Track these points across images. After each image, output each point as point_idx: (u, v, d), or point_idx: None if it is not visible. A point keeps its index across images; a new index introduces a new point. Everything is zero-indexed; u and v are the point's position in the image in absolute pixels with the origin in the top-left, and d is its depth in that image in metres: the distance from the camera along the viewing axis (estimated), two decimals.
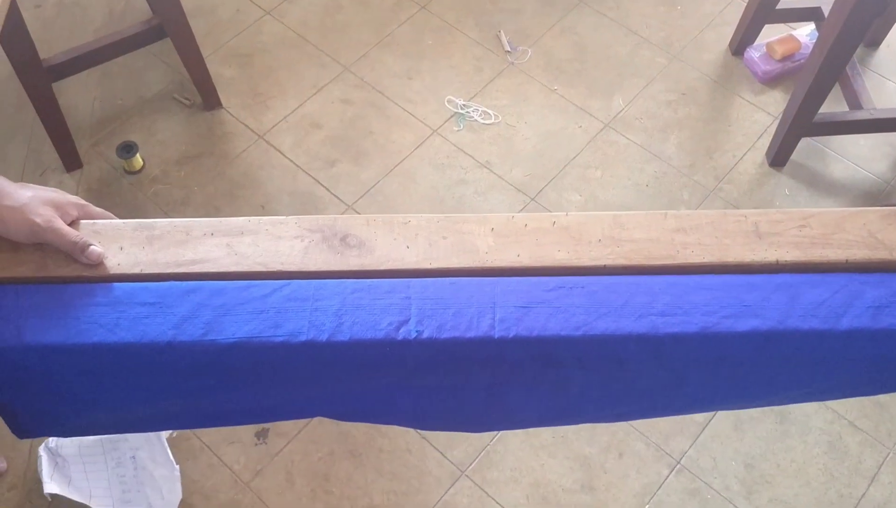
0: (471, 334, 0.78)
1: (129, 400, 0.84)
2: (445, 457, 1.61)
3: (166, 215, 1.91)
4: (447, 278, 0.82)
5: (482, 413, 0.89)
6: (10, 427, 0.86)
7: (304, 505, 1.56)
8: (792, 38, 2.14)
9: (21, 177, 1.98)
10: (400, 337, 0.77)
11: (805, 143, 2.01)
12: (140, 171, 1.98)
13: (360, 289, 0.80)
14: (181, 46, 1.94)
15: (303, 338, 0.77)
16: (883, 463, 1.61)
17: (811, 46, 2.10)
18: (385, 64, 2.19)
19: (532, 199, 1.95)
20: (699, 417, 1.66)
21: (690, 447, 1.63)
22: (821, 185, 1.99)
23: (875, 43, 2.22)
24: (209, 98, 2.07)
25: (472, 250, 0.84)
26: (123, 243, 0.84)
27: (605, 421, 0.97)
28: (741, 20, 2.17)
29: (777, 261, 0.84)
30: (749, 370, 0.83)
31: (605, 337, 0.78)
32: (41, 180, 1.97)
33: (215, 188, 1.96)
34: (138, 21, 1.96)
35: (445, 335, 0.78)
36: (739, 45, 2.18)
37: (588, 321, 0.78)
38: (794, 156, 2.01)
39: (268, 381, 0.81)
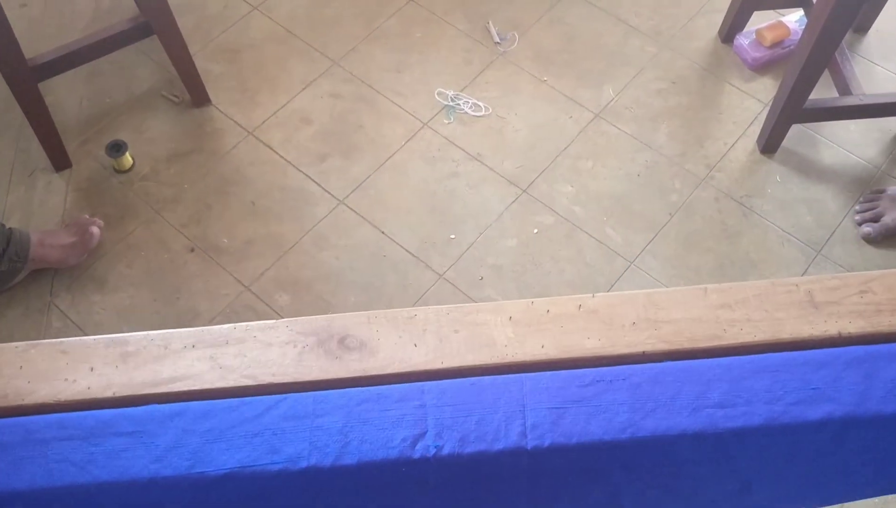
0: (499, 445, 0.67)
1: None
2: None
3: (157, 214, 1.90)
4: (466, 380, 0.71)
5: None
6: None
7: None
8: (781, 24, 2.14)
9: (10, 177, 1.97)
10: (417, 455, 0.67)
11: (796, 129, 2.01)
12: (130, 169, 1.97)
13: (367, 399, 0.70)
14: (168, 43, 1.93)
15: (304, 464, 0.67)
16: None
17: (800, 33, 2.11)
18: (374, 57, 2.18)
19: (524, 190, 1.95)
20: None
21: None
22: (812, 171, 1.99)
23: (864, 28, 2.21)
24: (198, 95, 2.06)
25: (488, 343, 0.75)
26: (94, 363, 0.75)
27: None
28: (730, 7, 2.16)
29: (839, 334, 0.74)
30: (825, 466, 0.73)
31: (656, 438, 0.68)
32: (30, 181, 1.97)
33: (206, 185, 1.95)
34: (125, 19, 1.94)
35: (469, 448, 0.67)
36: (729, 32, 2.18)
37: (635, 421, 0.68)
38: (785, 143, 2.01)
39: None
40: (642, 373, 0.71)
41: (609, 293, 0.78)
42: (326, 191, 1.95)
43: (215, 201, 1.93)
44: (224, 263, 1.84)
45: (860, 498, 0.81)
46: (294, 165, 1.99)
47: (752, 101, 2.11)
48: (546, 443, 0.67)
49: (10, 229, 1.74)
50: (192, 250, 1.85)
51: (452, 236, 1.88)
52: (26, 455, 0.67)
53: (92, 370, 0.75)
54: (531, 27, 2.24)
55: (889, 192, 1.91)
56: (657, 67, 2.17)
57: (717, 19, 2.24)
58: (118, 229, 1.89)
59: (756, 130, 2.05)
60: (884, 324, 0.75)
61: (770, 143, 1.99)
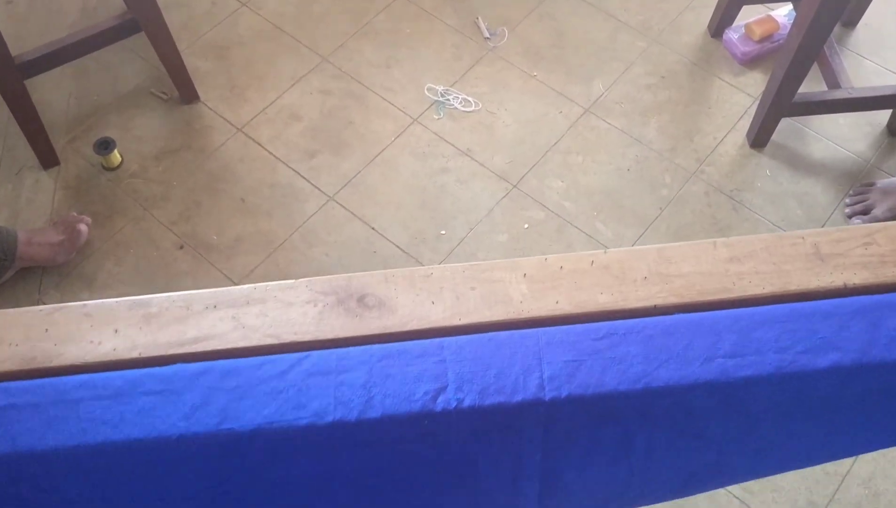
0: (518, 397, 0.69)
1: (134, 501, 0.75)
2: None
3: (146, 211, 1.89)
4: (484, 335, 0.73)
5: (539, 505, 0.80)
6: None
7: None
8: (770, 18, 2.15)
9: None
10: (438, 408, 0.69)
11: (785, 123, 2.01)
12: (118, 167, 1.96)
13: (389, 355, 0.71)
14: (156, 40, 1.92)
15: (329, 418, 0.68)
16: None
17: (789, 27, 2.11)
18: (363, 53, 2.17)
19: (514, 186, 1.95)
20: None
21: None
22: (802, 165, 1.99)
23: (852, 23, 2.22)
24: (186, 92, 2.05)
25: (504, 300, 0.76)
26: (118, 325, 0.76)
27: (671, 493, 0.85)
28: (719, 2, 2.17)
29: (845, 285, 0.77)
30: (831, 414, 0.75)
31: (670, 388, 0.70)
32: (17, 179, 1.95)
33: (195, 182, 1.94)
34: (112, 16, 1.93)
35: (489, 400, 0.69)
36: (718, 26, 2.18)
37: (649, 371, 0.70)
38: (774, 137, 2.01)
39: (292, 471, 0.73)
40: (655, 326, 0.73)
41: (621, 249, 0.79)
42: (316, 187, 1.95)
43: (204, 198, 1.92)
44: (213, 260, 1.83)
45: (865, 452, 0.83)
46: (284, 162, 1.98)
47: (742, 95, 2.12)
48: (563, 394, 0.69)
49: None
50: (182, 248, 1.85)
51: (443, 232, 1.88)
52: (58, 415, 0.69)
53: (116, 331, 0.76)
54: (520, 22, 2.24)
55: (879, 185, 1.91)
56: (647, 61, 2.17)
57: (707, 14, 2.24)
58: (107, 227, 1.88)
59: (746, 124, 2.06)
60: (888, 275, 0.77)
61: (760, 137, 1.99)
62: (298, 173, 1.96)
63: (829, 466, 1.59)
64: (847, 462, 1.60)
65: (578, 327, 0.73)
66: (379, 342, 0.74)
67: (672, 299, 0.76)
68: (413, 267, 0.80)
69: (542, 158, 1.99)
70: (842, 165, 1.99)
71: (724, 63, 2.18)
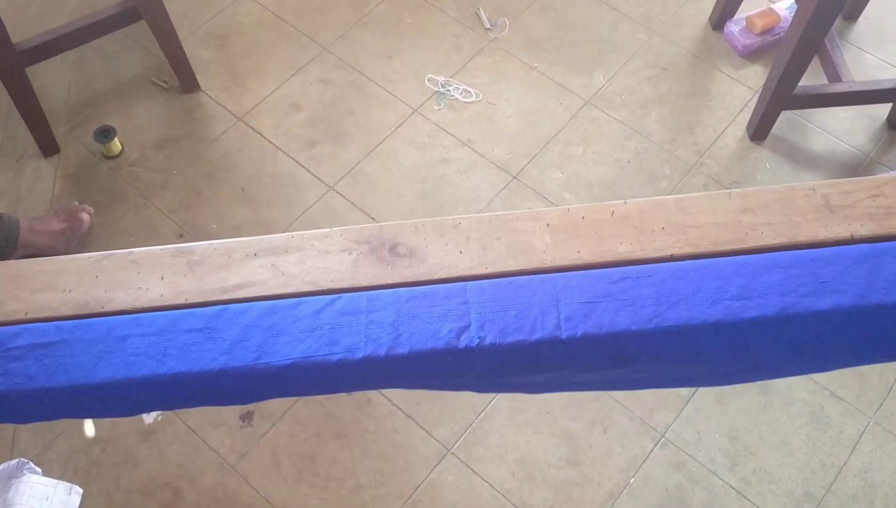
0: (536, 335, 0.74)
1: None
2: (431, 436, 1.62)
3: (146, 200, 1.90)
4: (505, 279, 0.78)
5: (544, 389, 0.88)
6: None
7: (290, 487, 1.56)
8: (771, 11, 2.14)
9: None
10: (462, 345, 0.74)
11: (785, 116, 2.01)
12: (118, 155, 1.96)
13: (415, 297, 0.77)
14: (157, 29, 1.92)
15: (360, 354, 0.74)
16: (864, 432, 1.63)
17: (790, 20, 2.11)
18: (364, 43, 2.17)
19: (514, 177, 1.95)
20: (683, 391, 1.67)
21: (674, 420, 1.64)
22: (801, 158, 2.00)
23: (853, 16, 2.22)
24: (187, 81, 2.05)
25: (528, 249, 0.81)
26: (164, 272, 0.81)
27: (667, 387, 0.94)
28: None
29: (851, 236, 0.80)
30: (830, 350, 0.79)
31: (679, 328, 0.74)
32: (18, 167, 1.95)
33: (195, 171, 1.94)
34: (112, 4, 1.93)
35: (509, 339, 0.74)
36: (719, 19, 2.18)
37: (659, 313, 0.75)
38: (774, 130, 2.01)
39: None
40: (666, 270, 0.77)
41: (640, 199, 0.83)
42: (316, 177, 1.95)
43: (204, 186, 1.92)
44: None
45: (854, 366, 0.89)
46: (284, 152, 1.98)
47: (742, 88, 2.12)
48: (579, 333, 0.74)
49: None
50: (182, 236, 1.85)
51: (437, 219, 1.88)
52: (108, 350, 0.74)
53: (162, 278, 0.81)
54: (522, 13, 2.24)
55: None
56: (647, 53, 2.17)
57: (708, 6, 2.24)
58: (107, 215, 1.88)
59: (746, 117, 2.06)
60: (893, 226, 0.80)
61: (760, 130, 1.99)
62: (298, 163, 1.96)
63: (826, 458, 1.60)
64: (844, 454, 1.60)
65: (594, 271, 0.78)
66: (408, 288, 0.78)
67: (687, 249, 0.80)
68: (442, 217, 0.84)
69: (543, 150, 1.99)
70: (841, 159, 1.99)
71: (725, 56, 2.17)
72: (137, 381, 0.74)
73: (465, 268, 0.80)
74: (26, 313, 0.80)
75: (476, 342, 0.74)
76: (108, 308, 0.80)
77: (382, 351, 0.74)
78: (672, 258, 0.80)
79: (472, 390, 0.86)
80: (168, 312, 0.78)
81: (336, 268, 0.80)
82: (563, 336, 0.74)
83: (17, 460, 1.54)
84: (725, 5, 2.15)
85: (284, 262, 0.81)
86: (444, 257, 0.81)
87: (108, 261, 0.83)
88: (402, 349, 0.74)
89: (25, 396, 0.73)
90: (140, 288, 0.81)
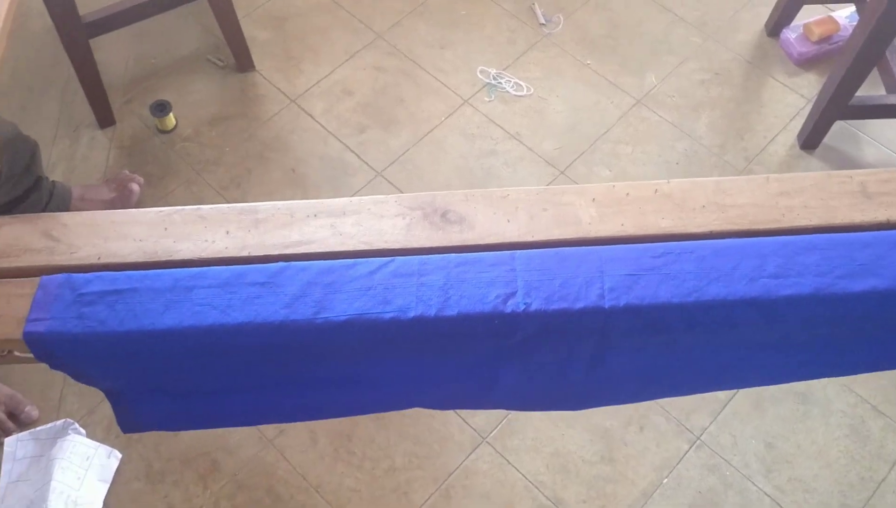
0: (580, 304, 0.77)
1: (238, 385, 0.85)
2: (467, 423, 1.63)
3: (198, 175, 1.93)
4: (551, 249, 0.81)
5: (583, 386, 0.88)
6: (118, 420, 0.88)
7: (326, 464, 1.58)
8: (830, 19, 2.12)
9: (55, 132, 1.99)
10: (508, 310, 0.77)
11: (838, 126, 1.99)
12: (172, 130, 1.99)
13: (465, 262, 0.80)
14: (217, 7, 1.94)
15: (412, 314, 0.77)
16: None
17: (850, 29, 2.09)
18: (418, 32, 2.18)
19: (561, 172, 1.95)
20: (721, 394, 1.67)
21: (711, 423, 1.64)
22: (853, 168, 1.97)
23: None
24: (243, 60, 2.08)
25: (574, 221, 0.84)
26: (229, 228, 0.85)
27: (703, 387, 0.95)
28: (779, 0, 2.15)
29: (888, 220, 0.82)
30: (867, 332, 0.81)
31: (718, 302, 0.77)
32: (75, 136, 1.99)
33: (246, 150, 1.97)
34: None
35: (554, 306, 0.77)
36: (776, 25, 2.17)
37: (699, 287, 0.77)
38: (826, 139, 2.00)
39: (376, 360, 0.82)
40: (706, 247, 0.80)
41: (682, 179, 0.86)
42: (364, 162, 1.96)
43: (255, 165, 1.95)
44: None
45: (888, 369, 0.90)
46: (334, 135, 2.00)
47: (795, 96, 2.10)
48: (622, 303, 0.76)
49: (52, 182, 1.76)
50: None
51: (486, 190, 1.89)
52: (175, 299, 0.78)
53: (228, 233, 0.85)
54: (577, 10, 2.24)
55: None
56: (701, 57, 2.16)
57: (764, 12, 2.22)
58: (158, 188, 1.91)
59: (797, 125, 2.04)
60: None
61: (811, 138, 1.98)
62: (348, 147, 1.98)
63: (865, 472, 1.59)
64: (883, 469, 1.59)
65: (638, 246, 0.80)
66: (457, 253, 0.82)
67: (727, 227, 0.82)
68: (491, 189, 0.86)
69: (591, 147, 1.99)
70: None
71: (780, 63, 2.16)
72: (202, 330, 0.76)
73: (511, 236, 0.83)
74: (99, 259, 0.84)
75: (522, 307, 0.77)
76: (175, 257, 0.84)
77: (432, 312, 0.77)
78: (711, 235, 0.82)
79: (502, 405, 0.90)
80: (232, 266, 0.81)
81: (390, 231, 0.84)
82: (606, 306, 0.77)
83: (62, 420, 1.57)
84: (783, 12, 2.13)
85: (342, 223, 0.85)
86: (492, 224, 0.84)
87: (178, 215, 0.87)
88: (451, 311, 0.77)
89: (97, 339, 0.77)
90: (206, 240, 0.85)
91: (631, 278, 0.78)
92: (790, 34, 2.14)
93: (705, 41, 2.19)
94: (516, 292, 0.77)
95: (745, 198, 0.84)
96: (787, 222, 0.83)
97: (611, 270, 0.78)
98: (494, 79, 2.10)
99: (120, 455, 1.57)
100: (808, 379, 0.92)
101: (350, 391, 0.87)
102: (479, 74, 2.11)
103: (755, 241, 0.80)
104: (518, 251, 0.81)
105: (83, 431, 1.58)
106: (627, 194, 0.85)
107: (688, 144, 2.01)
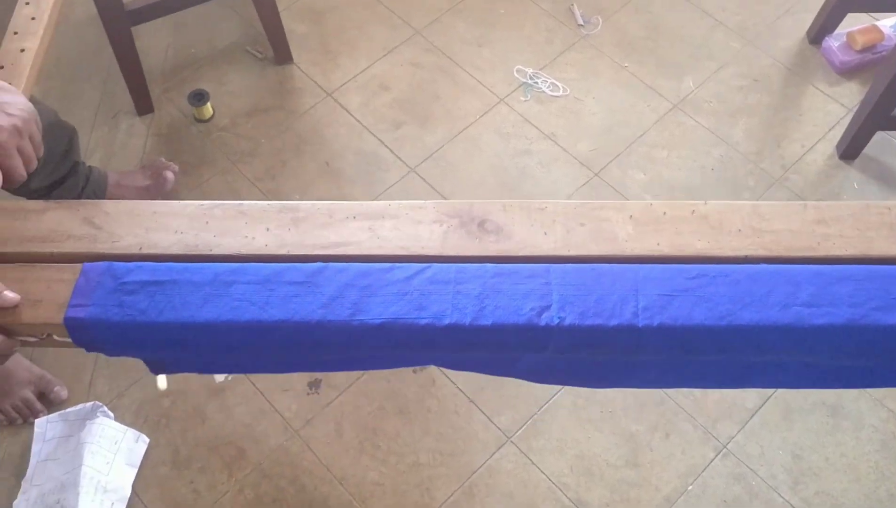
0: (614, 321, 0.77)
1: (268, 369, 0.87)
2: (492, 422, 1.63)
3: (233, 165, 1.94)
4: (588, 265, 0.82)
5: (609, 370, 0.89)
6: (149, 366, 0.90)
7: (350, 457, 1.59)
8: (875, 28, 2.09)
9: (94, 118, 2.02)
10: (542, 323, 0.77)
11: (879, 136, 1.96)
12: (209, 120, 2.01)
13: (501, 273, 0.81)
14: None
15: (446, 321, 0.77)
16: None
17: (895, 38, 2.06)
18: (456, 30, 2.18)
19: (595, 174, 1.94)
20: (749, 403, 1.65)
21: (738, 432, 1.62)
22: (892, 180, 1.95)
23: None
24: (281, 53, 2.09)
25: (610, 237, 0.84)
26: (269, 225, 0.86)
27: (728, 387, 0.97)
28: (822, 8, 2.12)
29: None
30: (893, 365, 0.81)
31: (751, 327, 0.77)
32: (113, 122, 2.02)
33: (282, 142, 1.98)
34: None
35: (588, 321, 0.77)
36: (818, 33, 2.14)
37: (733, 311, 0.77)
38: (866, 150, 1.97)
39: (408, 362, 0.84)
40: (741, 272, 0.80)
41: (719, 201, 0.86)
42: (399, 158, 1.97)
43: (290, 157, 1.96)
44: None
45: None
46: (369, 130, 2.01)
47: (836, 105, 2.07)
48: (655, 323, 0.77)
49: (89, 167, 1.79)
50: None
51: (524, 200, 1.88)
52: (214, 293, 0.79)
53: (268, 230, 0.86)
54: (616, 12, 2.22)
55: None
56: (740, 62, 2.14)
57: (807, 19, 2.20)
58: (193, 176, 1.93)
59: (837, 134, 2.01)
60: None
61: (851, 148, 1.95)
62: (383, 143, 1.99)
63: (894, 488, 1.56)
64: None
65: (673, 266, 0.81)
66: (493, 264, 0.83)
67: (761, 252, 0.82)
68: (529, 199, 0.87)
69: (627, 149, 1.98)
70: None
71: (821, 71, 2.13)
72: (240, 324, 0.78)
73: (548, 248, 0.83)
74: (140, 249, 0.86)
75: (556, 321, 0.77)
76: (215, 251, 0.85)
77: (467, 320, 0.77)
78: (746, 260, 0.82)
79: (532, 377, 0.90)
80: (271, 264, 0.82)
81: (427, 237, 0.85)
82: (640, 324, 0.77)
83: (91, 403, 1.59)
84: (826, 19, 2.10)
85: (381, 226, 0.86)
86: (528, 236, 0.84)
87: (219, 209, 0.88)
88: (486, 321, 0.77)
89: (136, 328, 0.78)
90: (246, 236, 0.86)
91: (665, 299, 0.78)
92: (833, 42, 2.12)
93: (745, 47, 2.17)
94: (551, 305, 0.78)
95: (781, 224, 0.84)
96: (822, 251, 0.83)
97: (646, 289, 0.79)
98: (531, 78, 2.09)
99: (147, 440, 1.59)
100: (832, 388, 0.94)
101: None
102: (515, 73, 2.11)
103: (789, 268, 0.80)
104: (554, 265, 0.81)
105: (111, 414, 1.60)
106: (665, 213, 0.85)
107: (724, 149, 1.99)
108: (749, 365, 0.86)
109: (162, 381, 1.67)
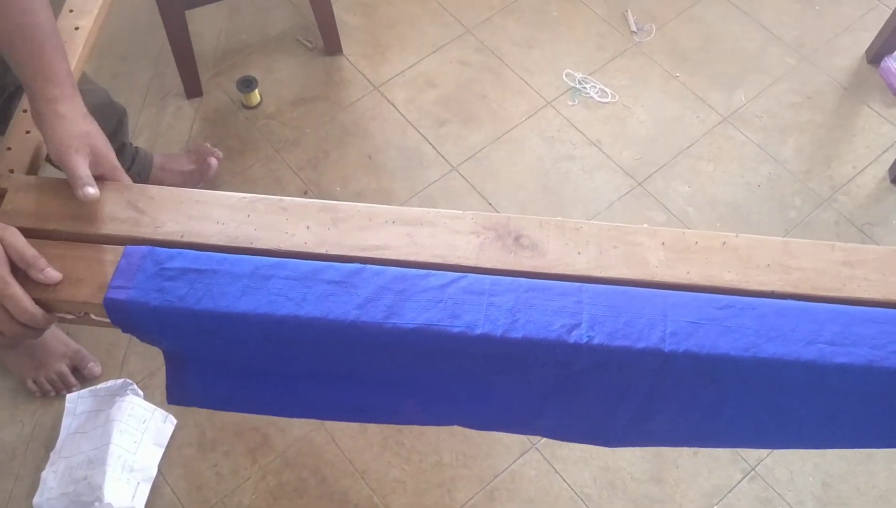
0: (641, 344, 0.78)
1: (300, 376, 0.87)
2: None
3: (277, 153, 1.95)
4: (619, 287, 0.83)
5: (624, 432, 0.90)
6: (168, 387, 0.90)
7: (374, 452, 1.59)
8: None
9: (144, 99, 2.04)
10: (571, 340, 0.79)
11: None
12: (256, 106, 2.03)
13: (534, 289, 0.82)
14: None
15: (478, 331, 0.78)
16: None
17: None
18: (507, 30, 2.17)
19: (639, 184, 1.92)
20: None
21: (768, 455, 1.59)
22: None
23: None
24: (331, 43, 2.10)
25: (642, 262, 0.86)
26: (310, 223, 0.87)
27: (742, 445, 0.97)
28: (884, 27, 2.07)
29: None
30: None
31: (773, 360, 0.78)
32: (162, 104, 2.04)
33: (326, 133, 1.99)
34: None
35: (616, 342, 0.78)
36: (878, 53, 2.09)
37: (757, 343, 0.79)
38: None
39: (436, 371, 0.83)
40: (768, 306, 0.82)
41: (750, 235, 0.88)
42: (441, 155, 1.96)
43: (333, 148, 1.96)
44: None
45: None
46: (414, 126, 2.01)
47: (891, 127, 2.02)
48: (681, 349, 0.78)
49: (136, 148, 1.81)
50: (306, 193, 1.90)
51: (559, 219, 1.87)
52: (252, 286, 0.80)
53: (308, 228, 0.87)
54: (670, 21, 2.19)
55: None
56: (794, 79, 2.10)
57: (866, 38, 2.15)
58: (237, 162, 1.94)
59: (890, 158, 1.97)
60: None
61: None
62: (426, 139, 1.99)
63: None
64: None
65: (702, 295, 0.83)
66: (527, 278, 0.84)
67: (787, 288, 0.84)
68: (565, 218, 0.88)
69: (672, 161, 1.96)
70: None
71: (878, 92, 2.08)
72: (276, 318, 0.78)
73: (581, 268, 0.85)
74: (181, 237, 0.86)
75: (585, 339, 0.78)
76: (255, 245, 0.85)
77: (499, 332, 0.78)
78: (773, 294, 0.84)
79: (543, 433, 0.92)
80: (310, 261, 0.83)
81: (463, 247, 0.86)
82: (666, 349, 0.78)
83: (122, 380, 1.61)
84: (886, 40, 2.05)
85: (419, 233, 0.87)
86: (563, 254, 0.86)
87: (261, 203, 0.89)
88: (517, 334, 0.78)
89: (175, 313, 0.79)
90: (286, 232, 0.87)
91: (693, 326, 0.79)
92: (892, 63, 2.07)
93: (800, 63, 2.13)
94: (581, 323, 0.79)
95: (808, 262, 0.86)
96: (846, 292, 0.84)
97: (674, 315, 0.80)
98: (579, 83, 2.07)
99: (175, 421, 1.61)
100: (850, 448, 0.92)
101: (399, 398, 0.89)
102: (564, 77, 2.09)
103: (815, 306, 0.82)
104: (586, 285, 0.83)
105: (141, 392, 1.61)
106: (696, 242, 0.87)
107: (772, 167, 1.96)
108: (766, 420, 0.86)
109: None
